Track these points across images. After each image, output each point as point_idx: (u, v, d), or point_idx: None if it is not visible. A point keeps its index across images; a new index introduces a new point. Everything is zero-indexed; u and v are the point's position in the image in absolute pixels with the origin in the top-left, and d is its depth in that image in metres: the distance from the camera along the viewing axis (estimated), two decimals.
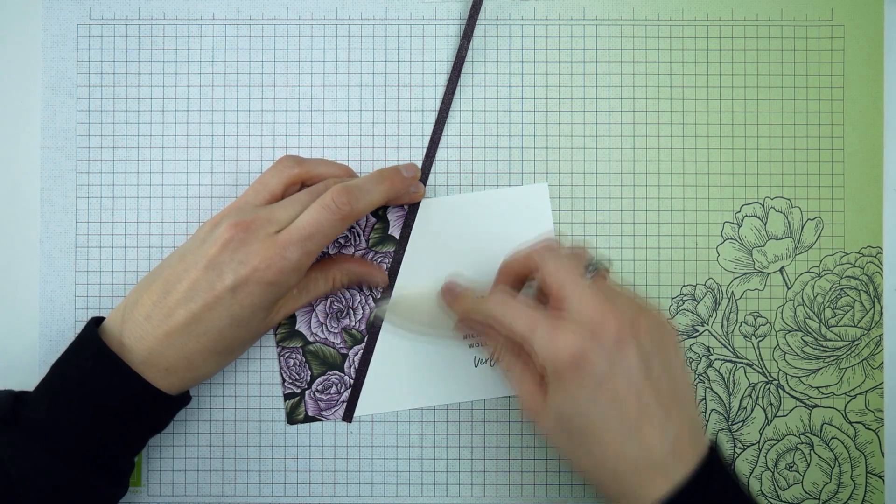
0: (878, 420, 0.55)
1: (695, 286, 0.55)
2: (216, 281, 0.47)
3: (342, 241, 0.54)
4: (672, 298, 0.55)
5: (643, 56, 0.55)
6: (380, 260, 0.54)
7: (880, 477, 0.55)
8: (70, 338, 0.54)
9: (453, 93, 0.54)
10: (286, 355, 0.55)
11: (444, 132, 0.55)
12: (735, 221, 0.55)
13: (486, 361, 0.54)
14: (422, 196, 0.54)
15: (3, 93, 0.55)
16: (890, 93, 0.55)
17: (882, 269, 0.55)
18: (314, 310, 0.54)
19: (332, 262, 0.53)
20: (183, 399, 0.50)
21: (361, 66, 0.55)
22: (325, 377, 0.54)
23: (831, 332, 0.55)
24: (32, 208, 0.55)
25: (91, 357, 0.47)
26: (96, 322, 0.49)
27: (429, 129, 0.55)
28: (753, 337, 0.55)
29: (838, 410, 0.55)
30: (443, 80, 0.55)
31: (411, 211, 0.54)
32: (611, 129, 0.55)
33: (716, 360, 0.55)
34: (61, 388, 0.47)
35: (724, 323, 0.55)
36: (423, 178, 0.54)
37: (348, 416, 0.54)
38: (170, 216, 0.55)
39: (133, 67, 0.55)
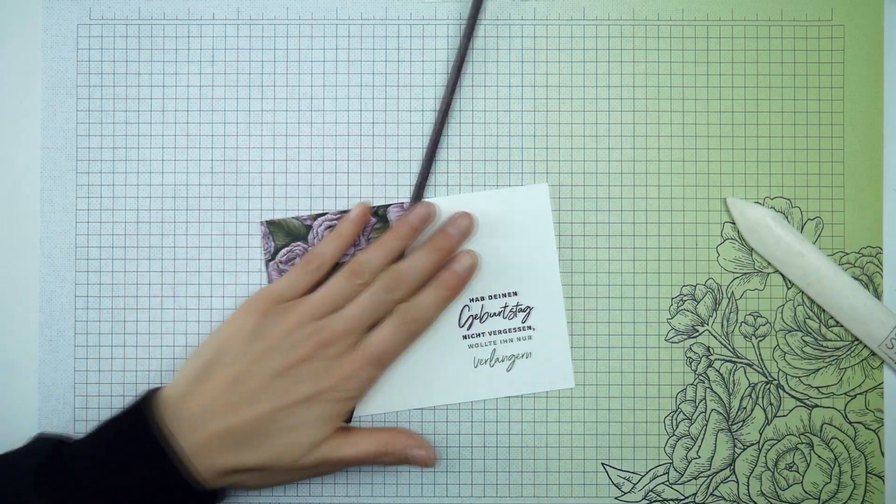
0: (878, 420, 0.55)
1: (695, 286, 0.55)
2: (293, 387, 0.48)
3: None
4: (672, 298, 0.55)
5: (643, 56, 0.55)
6: None
7: (880, 477, 0.55)
8: (70, 338, 0.54)
9: (453, 93, 0.54)
10: None
11: (444, 132, 0.55)
12: (735, 221, 0.55)
13: (485, 362, 0.54)
14: None
15: (3, 93, 0.55)
16: (890, 93, 0.55)
17: (882, 269, 0.55)
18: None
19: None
20: (219, 495, 0.51)
21: (361, 66, 0.55)
22: None
23: (831, 332, 0.55)
24: (32, 208, 0.55)
25: (140, 434, 0.48)
26: (152, 392, 0.50)
27: (429, 130, 0.55)
28: (753, 337, 0.55)
29: (838, 410, 0.55)
30: (443, 80, 0.55)
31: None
32: (611, 129, 0.55)
33: (716, 360, 0.55)
34: (104, 460, 0.47)
35: (724, 323, 0.55)
36: (423, 178, 0.54)
37: (348, 417, 0.54)
38: (170, 216, 0.55)
39: (133, 67, 0.55)
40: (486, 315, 0.54)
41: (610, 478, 0.55)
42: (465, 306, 0.54)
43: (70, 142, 0.55)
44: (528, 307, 0.54)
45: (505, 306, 0.54)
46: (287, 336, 0.49)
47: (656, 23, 0.55)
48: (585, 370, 0.55)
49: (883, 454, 0.55)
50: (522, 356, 0.54)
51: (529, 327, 0.54)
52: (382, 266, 0.51)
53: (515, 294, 0.54)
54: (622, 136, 0.55)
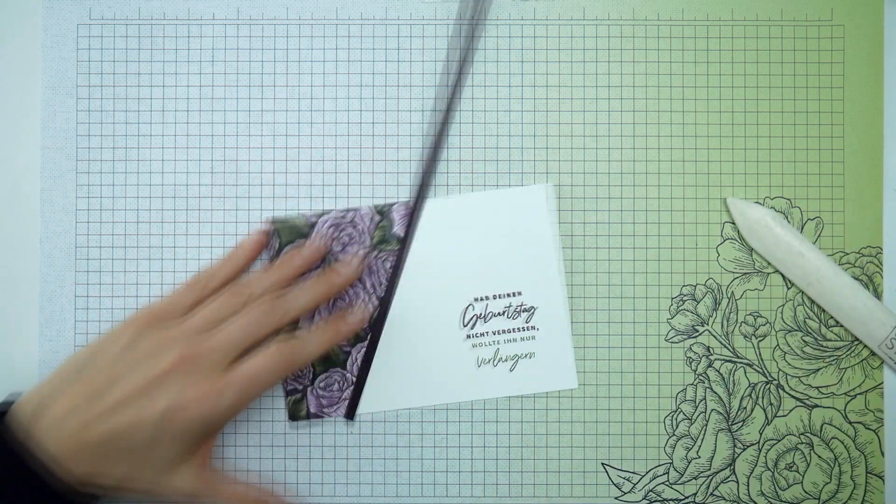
0: (878, 420, 0.55)
1: (695, 286, 0.55)
2: (147, 403, 0.46)
3: (346, 238, 0.54)
4: (672, 298, 0.55)
5: (643, 56, 0.55)
6: (383, 258, 0.54)
7: (880, 477, 0.55)
8: (70, 338, 0.54)
9: (455, 93, 0.54)
10: None
11: (445, 132, 0.55)
12: (735, 221, 0.55)
13: (488, 361, 0.54)
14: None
15: (3, 93, 0.55)
16: (890, 93, 0.55)
17: (882, 269, 0.55)
18: (317, 308, 0.54)
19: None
20: (94, 500, 0.49)
21: (361, 66, 0.55)
22: (327, 374, 0.54)
23: (831, 332, 0.55)
24: (32, 208, 0.55)
25: None
26: (14, 397, 0.48)
27: (429, 129, 0.55)
28: (753, 337, 0.55)
29: (838, 410, 0.55)
30: (443, 79, 0.55)
31: (416, 210, 0.54)
32: (611, 129, 0.55)
33: (716, 360, 0.55)
34: None
35: (724, 323, 0.55)
36: (426, 178, 0.54)
37: (350, 414, 0.54)
38: (170, 216, 0.55)
39: (133, 67, 0.55)
40: (489, 315, 0.54)
41: (610, 478, 0.55)
42: (468, 305, 0.54)
43: (70, 142, 0.55)
44: (532, 307, 0.54)
45: (509, 306, 0.54)
46: (154, 350, 0.48)
47: (656, 23, 0.55)
48: (585, 370, 0.55)
49: (883, 454, 0.55)
50: (525, 356, 0.54)
51: (533, 327, 0.54)
52: (264, 291, 0.51)
53: (519, 294, 0.54)
54: (622, 136, 0.55)
